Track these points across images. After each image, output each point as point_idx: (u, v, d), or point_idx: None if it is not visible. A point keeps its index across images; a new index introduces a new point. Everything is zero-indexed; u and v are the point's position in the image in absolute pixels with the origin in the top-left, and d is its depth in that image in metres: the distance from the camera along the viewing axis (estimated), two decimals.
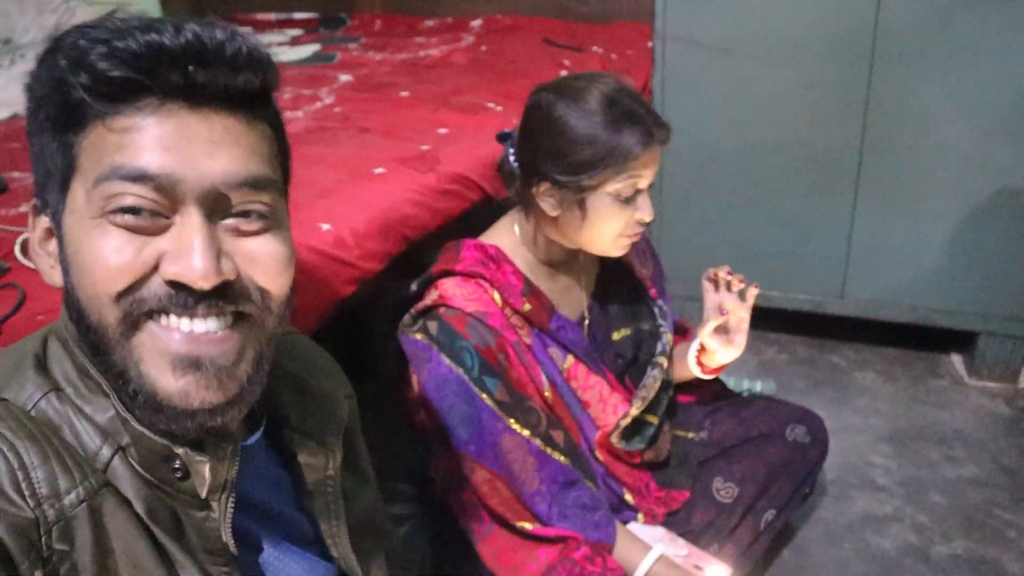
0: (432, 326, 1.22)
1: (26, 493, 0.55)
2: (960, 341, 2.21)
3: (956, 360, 2.23)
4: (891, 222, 2.05)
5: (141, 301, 0.57)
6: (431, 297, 1.25)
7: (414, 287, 1.29)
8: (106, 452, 0.60)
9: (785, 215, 2.14)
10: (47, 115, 0.58)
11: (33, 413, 0.59)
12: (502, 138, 1.33)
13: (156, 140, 0.56)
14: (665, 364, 1.39)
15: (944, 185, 1.97)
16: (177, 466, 0.61)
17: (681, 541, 1.33)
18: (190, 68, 0.55)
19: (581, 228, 1.22)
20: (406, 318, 1.29)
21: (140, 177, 0.55)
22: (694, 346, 1.40)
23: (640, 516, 1.37)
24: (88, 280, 0.57)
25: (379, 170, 1.47)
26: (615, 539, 1.26)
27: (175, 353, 0.58)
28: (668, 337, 1.42)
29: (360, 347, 1.93)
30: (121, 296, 0.57)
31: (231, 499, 0.64)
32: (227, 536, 0.64)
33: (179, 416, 0.59)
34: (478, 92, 1.99)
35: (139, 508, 0.60)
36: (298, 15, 3.10)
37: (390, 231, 1.34)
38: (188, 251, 0.56)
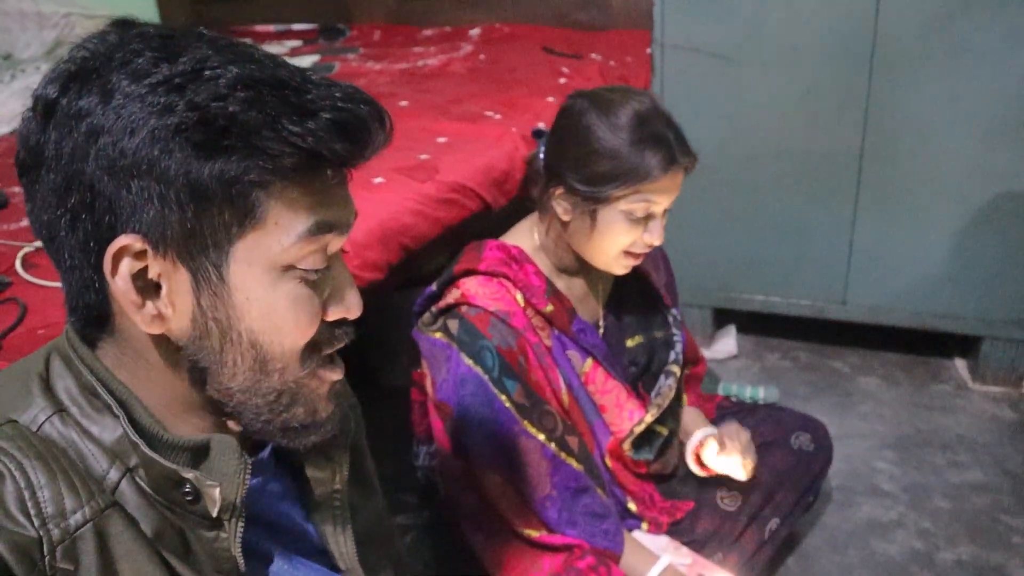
0: (453, 325, 1.22)
1: (31, 512, 0.55)
2: (963, 346, 2.21)
3: (960, 365, 2.22)
4: (892, 227, 2.05)
5: (317, 346, 0.63)
6: (452, 296, 1.25)
7: (434, 287, 1.29)
8: (114, 475, 0.59)
9: (786, 221, 2.14)
10: (235, 163, 0.55)
11: (39, 434, 0.59)
12: (537, 135, 1.35)
13: (342, 198, 0.62)
14: (678, 372, 1.39)
15: (945, 189, 1.97)
16: (188, 490, 0.61)
17: (685, 550, 1.33)
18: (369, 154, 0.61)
19: (589, 239, 1.22)
20: (426, 317, 1.28)
21: (338, 227, 0.61)
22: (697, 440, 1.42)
23: (644, 525, 1.37)
24: (278, 336, 0.60)
25: (378, 180, 1.47)
26: (623, 549, 1.25)
27: (336, 381, 0.66)
28: (681, 346, 1.42)
29: (363, 358, 1.93)
30: (306, 347, 0.62)
31: (241, 519, 0.63)
32: (237, 554, 0.63)
33: (314, 432, 0.66)
34: (477, 101, 1.98)
35: (146, 529, 0.60)
36: (297, 26, 3.11)
37: (389, 241, 1.34)
38: (347, 290, 0.64)
